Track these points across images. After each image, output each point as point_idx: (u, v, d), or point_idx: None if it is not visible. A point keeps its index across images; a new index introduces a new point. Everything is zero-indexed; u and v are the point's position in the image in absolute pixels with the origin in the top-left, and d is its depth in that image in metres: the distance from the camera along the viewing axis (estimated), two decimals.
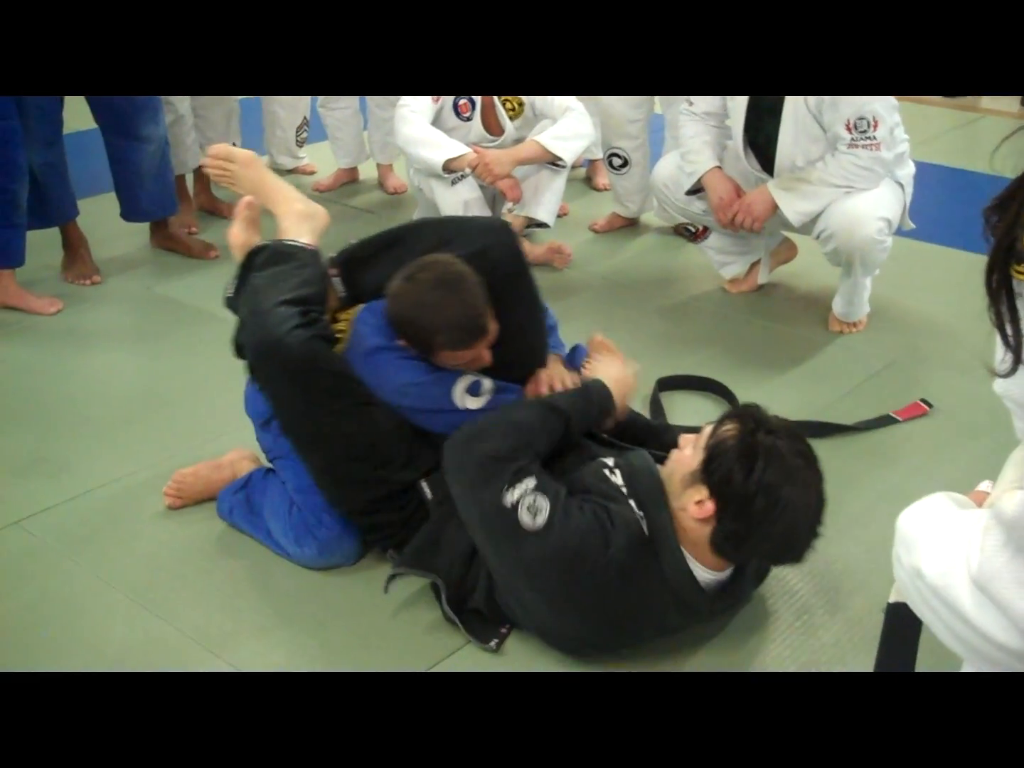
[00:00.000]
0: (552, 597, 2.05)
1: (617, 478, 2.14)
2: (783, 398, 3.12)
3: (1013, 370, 1.37)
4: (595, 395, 2.37)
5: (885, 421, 2.98)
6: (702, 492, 1.96)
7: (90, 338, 3.50)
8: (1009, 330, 1.35)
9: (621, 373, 2.46)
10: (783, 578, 2.39)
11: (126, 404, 3.12)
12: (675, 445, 2.14)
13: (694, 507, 1.96)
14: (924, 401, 3.04)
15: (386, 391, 2.34)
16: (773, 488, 1.91)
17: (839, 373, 3.29)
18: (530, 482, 2.06)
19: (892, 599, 1.81)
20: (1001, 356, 1.40)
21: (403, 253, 2.40)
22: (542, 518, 2.02)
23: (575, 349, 2.63)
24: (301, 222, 2.56)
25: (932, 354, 3.38)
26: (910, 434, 2.96)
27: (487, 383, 2.36)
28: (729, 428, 1.98)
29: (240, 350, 2.41)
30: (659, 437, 2.50)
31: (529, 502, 2.04)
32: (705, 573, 2.06)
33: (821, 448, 2.80)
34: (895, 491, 2.68)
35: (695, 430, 2.13)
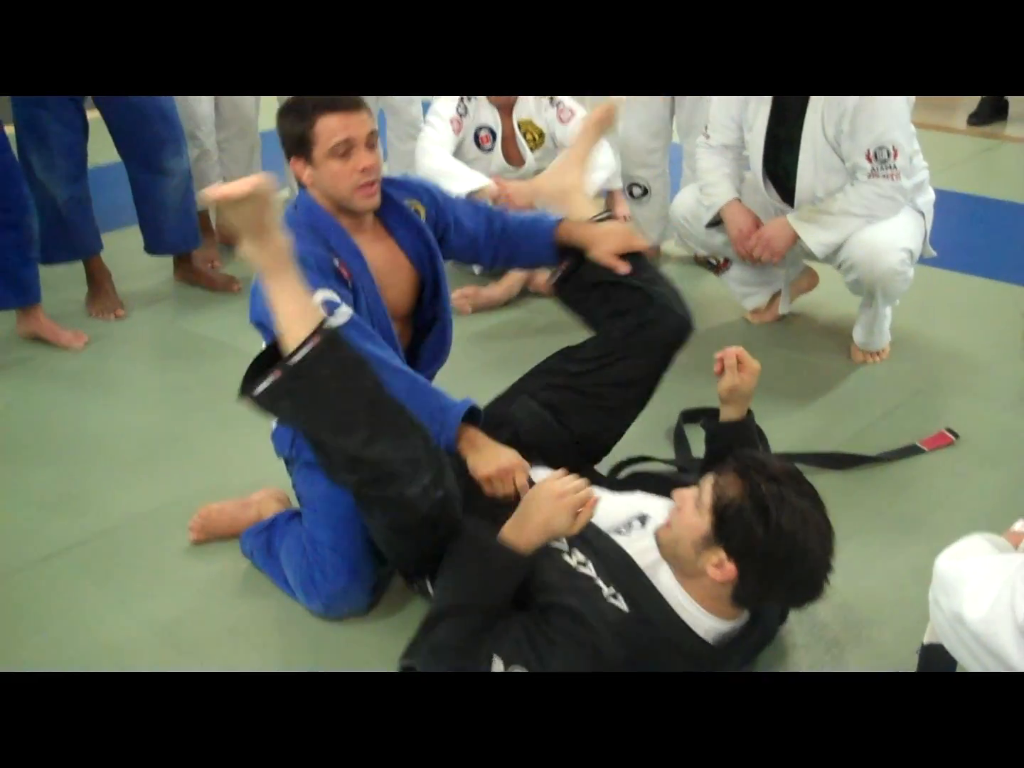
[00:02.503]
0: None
1: (575, 557, 2.06)
2: (807, 429, 3.11)
3: None
4: (495, 565, 2.05)
5: (911, 451, 2.97)
6: (719, 554, 1.91)
7: (114, 372, 3.51)
8: None
9: (556, 524, 2.03)
10: (812, 611, 2.36)
11: (151, 439, 3.13)
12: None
13: (713, 570, 1.91)
14: (950, 431, 3.03)
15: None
16: (791, 538, 1.87)
17: (863, 403, 3.28)
18: (496, 664, 1.92)
19: (927, 640, 1.80)
20: None
21: None
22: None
23: None
24: None
25: (956, 383, 3.36)
26: (936, 464, 2.94)
27: (345, 308, 2.30)
28: (731, 485, 1.92)
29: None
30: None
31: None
32: (721, 624, 2.01)
33: (846, 479, 2.85)
34: (922, 522, 2.68)
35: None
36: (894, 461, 2.94)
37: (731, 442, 2.42)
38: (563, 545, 2.09)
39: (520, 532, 2.03)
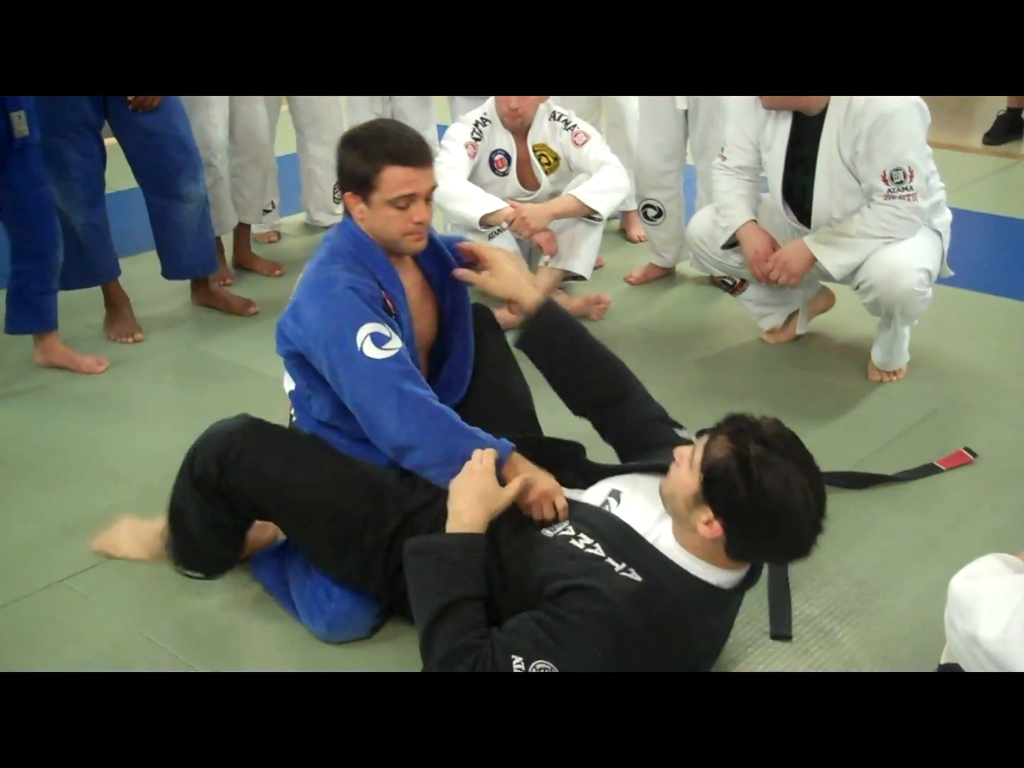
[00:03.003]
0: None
1: (582, 540, 2.09)
2: (825, 448, 3.07)
3: None
4: (453, 552, 2.09)
5: (929, 470, 2.96)
6: (707, 512, 1.95)
7: (133, 396, 3.53)
8: None
9: (482, 489, 2.16)
10: (830, 630, 2.37)
11: (169, 460, 3.10)
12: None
13: (703, 527, 1.96)
14: (968, 450, 3.02)
15: (312, 307, 2.33)
16: (771, 499, 1.89)
17: (880, 422, 3.27)
18: (517, 663, 1.92)
19: (943, 660, 1.79)
20: None
21: None
22: (550, 668, 1.92)
23: None
24: None
25: (974, 402, 3.35)
26: (954, 483, 2.93)
27: (396, 341, 2.30)
28: (721, 445, 1.95)
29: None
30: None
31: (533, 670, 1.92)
32: (730, 575, 2.05)
33: (864, 498, 2.84)
34: (940, 542, 2.66)
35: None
36: (912, 480, 2.93)
37: (548, 337, 2.45)
38: (570, 530, 2.13)
39: (460, 520, 2.12)
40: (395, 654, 2.33)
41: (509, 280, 2.47)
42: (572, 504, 2.24)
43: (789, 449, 1.95)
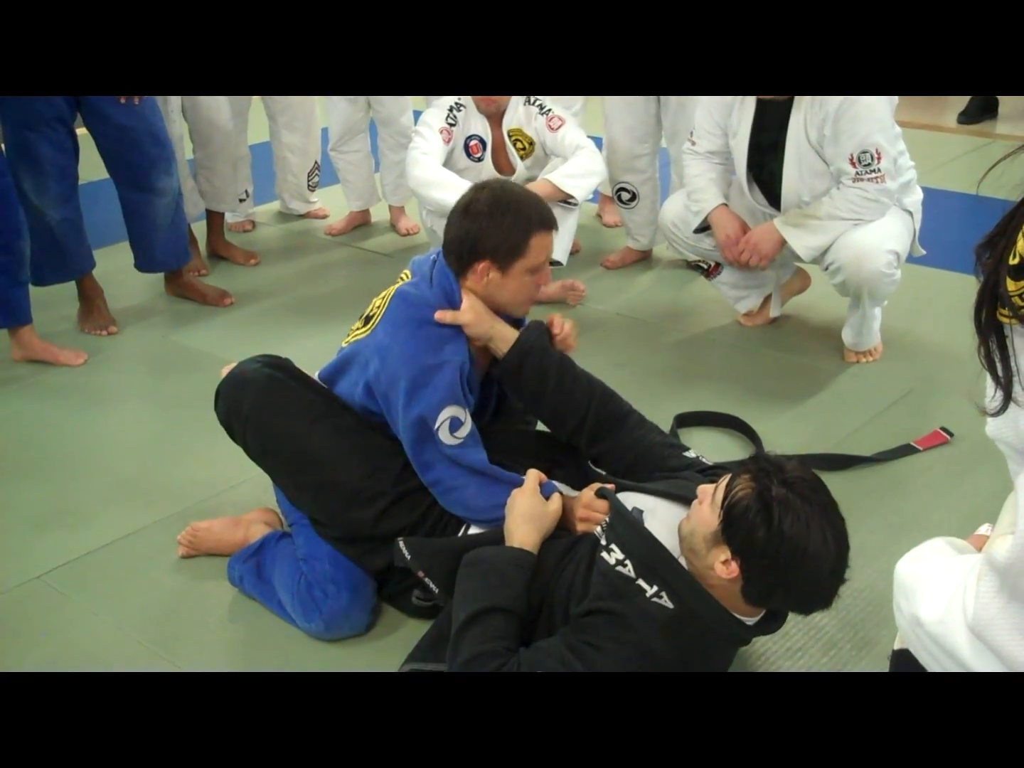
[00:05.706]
0: None
1: (614, 555, 2.05)
2: (801, 430, 3.11)
3: (1003, 408, 1.37)
4: (501, 562, 2.14)
5: (906, 451, 2.97)
6: (726, 552, 1.91)
7: (108, 388, 3.51)
8: (999, 368, 1.35)
9: (529, 508, 2.22)
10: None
11: (145, 453, 3.13)
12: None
13: (720, 566, 1.92)
14: (944, 429, 3.03)
15: (405, 364, 2.29)
16: (792, 543, 1.85)
17: (857, 403, 3.28)
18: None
19: (897, 646, 1.80)
20: (991, 394, 1.40)
21: None
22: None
23: None
24: None
25: (949, 381, 3.36)
26: (931, 463, 2.94)
27: (468, 424, 2.31)
28: (743, 485, 1.92)
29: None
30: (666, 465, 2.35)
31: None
32: (745, 620, 2.01)
33: (842, 479, 2.84)
34: (919, 521, 2.67)
35: (713, 472, 2.16)
36: (889, 461, 2.94)
37: (537, 365, 2.40)
38: (602, 539, 2.10)
39: (511, 540, 2.17)
40: (384, 654, 2.33)
41: (483, 318, 2.38)
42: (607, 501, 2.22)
43: (812, 493, 1.91)
